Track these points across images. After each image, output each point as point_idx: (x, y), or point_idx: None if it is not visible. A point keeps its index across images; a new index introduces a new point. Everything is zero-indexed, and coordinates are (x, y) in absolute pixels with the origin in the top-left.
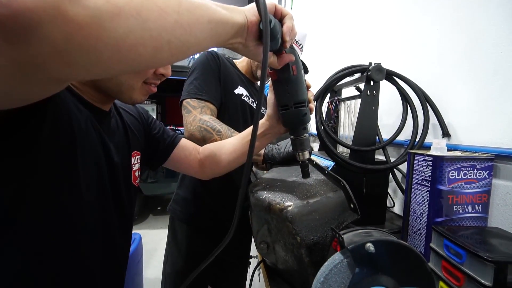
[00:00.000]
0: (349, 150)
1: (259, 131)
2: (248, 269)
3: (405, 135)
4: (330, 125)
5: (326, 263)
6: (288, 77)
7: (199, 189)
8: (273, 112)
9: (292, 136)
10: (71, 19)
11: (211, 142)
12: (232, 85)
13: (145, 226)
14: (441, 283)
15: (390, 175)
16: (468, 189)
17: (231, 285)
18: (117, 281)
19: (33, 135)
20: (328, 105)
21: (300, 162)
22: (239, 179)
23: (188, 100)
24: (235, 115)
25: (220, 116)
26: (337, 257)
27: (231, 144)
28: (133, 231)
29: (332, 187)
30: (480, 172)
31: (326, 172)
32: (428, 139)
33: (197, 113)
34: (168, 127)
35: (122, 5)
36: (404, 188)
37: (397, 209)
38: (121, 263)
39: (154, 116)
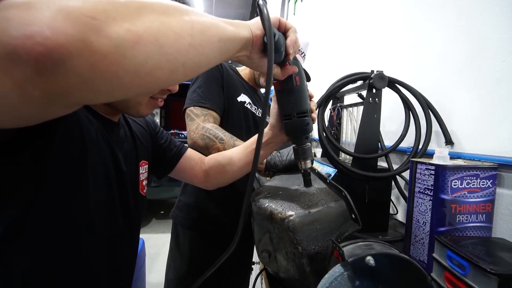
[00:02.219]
0: (352, 157)
1: (262, 140)
2: (251, 275)
3: (408, 142)
4: (332, 131)
5: (326, 276)
6: (291, 87)
7: (201, 196)
8: (276, 122)
9: (294, 145)
10: (96, 50)
11: (214, 150)
12: (235, 92)
13: (148, 230)
14: None
15: (393, 182)
16: (472, 198)
17: None
18: (123, 286)
19: (45, 145)
20: (331, 112)
21: (302, 170)
22: (242, 186)
23: (192, 108)
24: (238, 123)
25: (223, 124)
26: (337, 269)
27: (235, 154)
28: None
29: (333, 196)
30: (483, 181)
31: (328, 181)
32: (431, 146)
33: (200, 121)
34: (171, 131)
35: (141, 33)
36: (407, 195)
37: (401, 216)
38: (127, 270)
39: (158, 120)
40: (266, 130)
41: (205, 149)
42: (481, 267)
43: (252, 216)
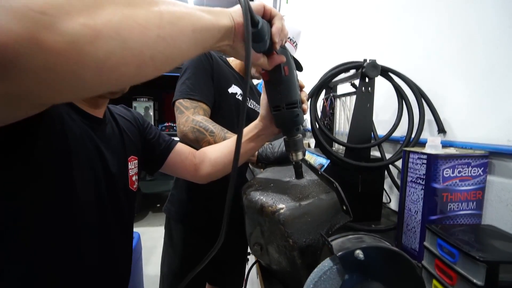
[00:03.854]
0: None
1: (253, 133)
2: (247, 265)
3: (401, 131)
4: (325, 122)
5: (316, 270)
6: (280, 78)
7: (193, 189)
8: (267, 113)
9: (285, 137)
10: (48, 48)
11: (205, 143)
12: (226, 84)
13: (145, 223)
14: (434, 282)
15: (386, 172)
16: (463, 186)
17: (229, 282)
18: (119, 279)
19: (29, 147)
20: (324, 102)
21: (294, 162)
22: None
23: (181, 100)
24: (229, 115)
25: (214, 116)
26: (326, 263)
27: (226, 147)
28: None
29: (325, 188)
30: (475, 170)
31: (319, 172)
32: (424, 135)
33: (190, 114)
34: (165, 124)
35: (100, 27)
36: (400, 185)
37: (393, 205)
38: (123, 264)
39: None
40: (256, 121)
41: (196, 143)
42: (470, 254)
43: (244, 209)
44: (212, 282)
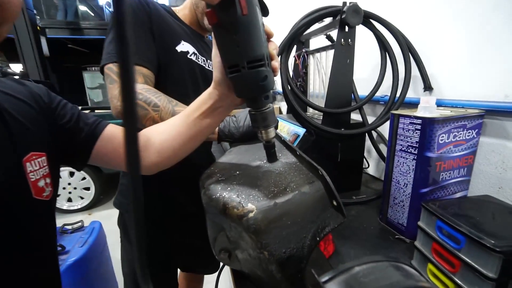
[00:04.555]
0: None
1: (206, 105)
2: None
3: (381, 90)
4: (298, 83)
5: None
6: (235, 19)
7: (146, 176)
8: (222, 76)
9: (250, 109)
10: None
11: (148, 120)
12: (173, 40)
13: (111, 205)
14: (430, 266)
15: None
16: (456, 152)
17: (203, 268)
18: None
19: None
20: (295, 60)
21: (264, 142)
22: (197, 156)
23: (110, 65)
24: (181, 80)
25: (161, 84)
26: None
27: (173, 126)
28: (96, 216)
29: (307, 176)
30: (469, 132)
31: (298, 153)
32: (407, 94)
33: None
34: None
35: None
36: (382, 150)
37: (372, 170)
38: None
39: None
40: (210, 89)
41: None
42: (482, 243)
43: (204, 208)
44: (186, 269)
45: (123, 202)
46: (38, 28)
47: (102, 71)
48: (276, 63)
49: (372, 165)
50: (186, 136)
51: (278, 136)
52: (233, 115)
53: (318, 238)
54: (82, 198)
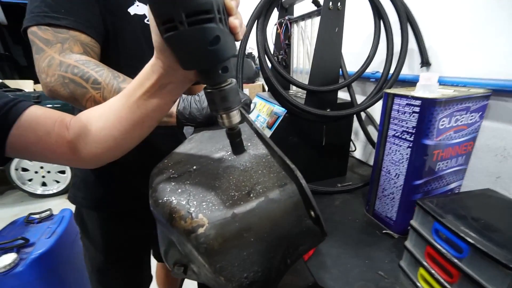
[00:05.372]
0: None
1: (150, 81)
2: None
3: (372, 66)
4: (280, 57)
5: None
6: None
7: (103, 166)
8: (162, 40)
9: (205, 86)
10: None
11: (89, 101)
12: (125, 0)
13: None
14: (421, 270)
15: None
16: (456, 139)
17: None
18: None
19: None
20: (277, 29)
21: (227, 129)
22: (160, 136)
23: (34, 29)
24: (136, 50)
25: (109, 55)
26: None
27: (111, 109)
28: (64, 204)
29: (278, 176)
30: (472, 116)
31: (269, 143)
32: (402, 70)
33: (55, 53)
34: None
35: None
36: (371, 133)
37: (359, 153)
38: None
39: None
40: (152, 60)
41: (74, 102)
42: (493, 257)
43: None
44: (160, 259)
45: (77, 196)
46: None
47: (24, 34)
48: (236, 20)
49: (359, 148)
50: (128, 121)
51: (248, 122)
52: (196, 95)
53: (289, 261)
54: (58, 182)
